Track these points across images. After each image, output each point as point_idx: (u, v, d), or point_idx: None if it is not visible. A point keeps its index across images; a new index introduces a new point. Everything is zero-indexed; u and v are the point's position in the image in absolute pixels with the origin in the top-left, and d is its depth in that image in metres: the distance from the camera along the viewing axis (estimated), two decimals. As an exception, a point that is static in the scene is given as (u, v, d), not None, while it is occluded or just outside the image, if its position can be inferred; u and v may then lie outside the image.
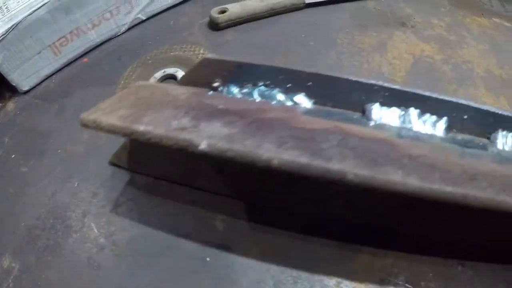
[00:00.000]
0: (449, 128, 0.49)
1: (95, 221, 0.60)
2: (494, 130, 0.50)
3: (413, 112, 0.49)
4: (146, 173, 0.63)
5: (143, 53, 0.84)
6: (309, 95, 0.51)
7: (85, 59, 0.87)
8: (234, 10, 0.85)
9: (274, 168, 0.42)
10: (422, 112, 0.49)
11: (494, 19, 0.96)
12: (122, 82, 0.79)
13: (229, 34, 0.85)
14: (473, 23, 0.95)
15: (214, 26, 0.86)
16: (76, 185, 0.66)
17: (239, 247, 0.55)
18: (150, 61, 0.81)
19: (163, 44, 0.85)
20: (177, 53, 0.81)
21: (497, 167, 0.44)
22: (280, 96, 0.52)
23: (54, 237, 0.59)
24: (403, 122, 0.48)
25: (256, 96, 0.53)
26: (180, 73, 0.77)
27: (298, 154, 0.42)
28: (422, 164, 0.42)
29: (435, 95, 0.48)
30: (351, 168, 0.41)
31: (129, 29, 0.90)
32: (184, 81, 0.59)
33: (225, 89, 0.55)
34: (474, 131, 0.50)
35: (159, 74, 0.78)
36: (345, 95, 0.50)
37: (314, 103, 0.51)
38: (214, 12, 0.85)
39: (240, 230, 0.56)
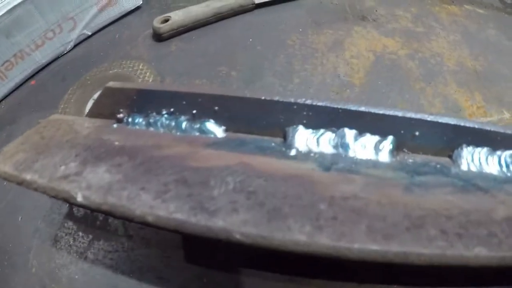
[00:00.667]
0: (397, 150, 0.37)
1: (37, 258, 0.53)
2: (457, 146, 0.37)
3: (348, 133, 0.35)
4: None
5: (85, 72, 0.71)
6: (218, 121, 0.37)
7: (32, 82, 0.75)
8: (176, 18, 0.71)
9: (151, 225, 0.31)
10: (360, 132, 0.35)
11: (466, 6, 0.83)
12: (62, 106, 0.67)
13: (173, 45, 0.72)
14: (442, 12, 0.82)
15: (158, 37, 0.72)
16: (19, 219, 0.58)
17: (177, 282, 0.48)
18: (89, 81, 0.69)
19: (106, 60, 0.72)
20: (116, 70, 0.69)
21: (456, 199, 0.32)
22: (186, 125, 0.38)
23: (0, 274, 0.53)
24: (336, 147, 0.34)
25: (159, 127, 0.39)
26: (118, 92, 0.63)
27: (177, 207, 0.31)
28: (346, 210, 0.28)
29: (374, 110, 0.35)
30: (238, 225, 0.28)
31: (75, 46, 0.77)
32: (93, 113, 0.46)
33: (130, 120, 0.41)
34: (430, 150, 0.37)
35: (97, 95, 0.64)
36: (261, 118, 0.36)
37: (226, 130, 0.37)
38: (157, 22, 0.72)
39: (177, 264, 0.49)
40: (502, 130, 0.36)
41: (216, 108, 0.38)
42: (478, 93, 0.68)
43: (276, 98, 0.35)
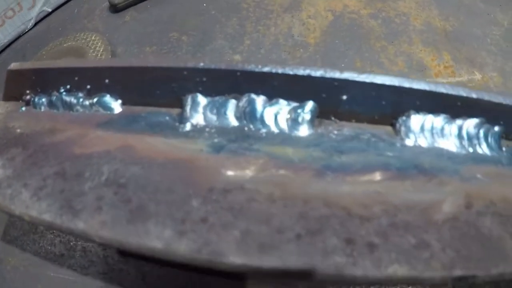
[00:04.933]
0: (322, 118, 0.25)
1: None
2: (402, 112, 0.25)
3: (255, 99, 0.23)
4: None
5: (43, 48, 0.60)
6: (113, 95, 0.26)
7: (-5, 62, 0.64)
8: (131, -13, 0.58)
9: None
10: (271, 98, 0.23)
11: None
12: (19, 83, 0.55)
13: (127, 15, 0.60)
14: (411, -31, 0.66)
15: (114, 8, 0.60)
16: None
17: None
18: (45, 56, 0.58)
19: (63, 35, 0.60)
20: (70, 43, 0.57)
21: (385, 189, 0.20)
22: (83, 102, 0.27)
23: None
24: (240, 118, 0.23)
25: (60, 106, 0.29)
26: (70, 66, 0.52)
27: (48, 205, 0.23)
28: (223, 208, 0.18)
29: (282, 70, 0.23)
30: (96, 227, 0.17)
31: (36, 23, 0.66)
32: (6, 96, 0.35)
33: (35, 101, 0.31)
34: (366, 117, 0.25)
35: None
36: (154, 88, 0.25)
37: (123, 103, 0.26)
38: (112, -8, 0.59)
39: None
40: (464, 94, 0.24)
41: (107, 81, 0.26)
42: (446, 53, 0.55)
43: (163, 65, 0.23)
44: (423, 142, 0.24)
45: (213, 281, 0.34)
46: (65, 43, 0.57)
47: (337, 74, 0.23)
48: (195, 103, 0.24)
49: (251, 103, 0.23)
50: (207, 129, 0.23)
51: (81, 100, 0.29)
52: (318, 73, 0.23)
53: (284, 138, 0.22)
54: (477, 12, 0.65)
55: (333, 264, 0.16)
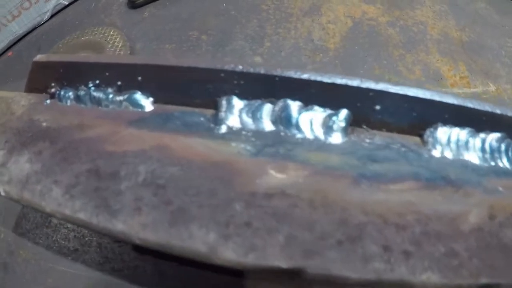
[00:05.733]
0: (354, 126, 0.25)
1: (5, 224, 0.45)
2: (430, 124, 0.25)
3: (291, 105, 0.23)
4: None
5: (59, 41, 0.59)
6: (145, 92, 0.26)
7: (9, 53, 0.64)
8: (150, -16, 0.58)
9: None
10: (306, 104, 0.23)
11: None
12: (34, 75, 0.55)
13: (146, 11, 0.60)
14: (429, -20, 0.66)
15: (132, 4, 0.60)
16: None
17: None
18: (61, 50, 0.57)
19: (80, 28, 0.60)
20: (87, 37, 0.57)
21: (416, 199, 0.21)
22: (112, 98, 0.27)
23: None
24: (275, 122, 0.23)
25: (87, 101, 0.28)
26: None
27: (82, 204, 0.23)
28: (266, 213, 0.18)
29: (321, 78, 0.23)
30: (137, 229, 0.17)
31: (52, 16, 0.66)
32: (29, 88, 0.35)
33: (61, 94, 0.31)
34: (396, 127, 0.25)
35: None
36: (189, 88, 0.25)
37: (154, 102, 0.26)
38: (131, -12, 0.59)
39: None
40: (489, 109, 0.25)
41: (140, 78, 0.27)
42: (462, 63, 0.55)
43: (201, 65, 0.23)
44: (449, 154, 0.25)
45: (232, 281, 0.34)
46: (82, 37, 0.57)
47: (372, 85, 0.24)
48: (230, 105, 0.24)
49: (287, 108, 0.23)
50: (243, 132, 0.23)
51: (110, 96, 0.29)
52: (354, 82, 0.23)
53: (319, 145, 0.22)
54: (492, 23, 0.65)
55: (372, 270, 0.16)
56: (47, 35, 0.65)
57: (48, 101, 0.34)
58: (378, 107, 0.24)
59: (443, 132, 0.25)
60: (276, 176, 0.20)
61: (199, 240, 0.17)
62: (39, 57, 0.34)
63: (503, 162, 0.25)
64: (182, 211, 0.19)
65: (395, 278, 0.16)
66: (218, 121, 0.24)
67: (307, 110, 0.24)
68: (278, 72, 0.23)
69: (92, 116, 0.29)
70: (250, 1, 0.59)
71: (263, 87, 0.24)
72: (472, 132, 0.25)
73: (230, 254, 0.17)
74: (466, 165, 0.24)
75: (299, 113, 0.23)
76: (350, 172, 0.21)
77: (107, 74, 0.29)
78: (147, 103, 0.28)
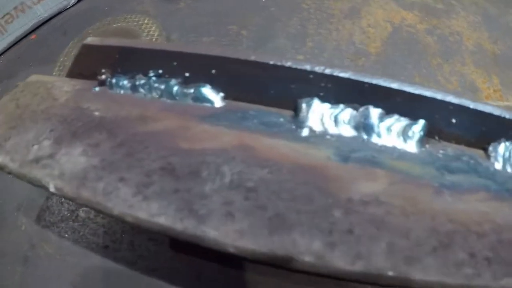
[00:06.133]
0: (428, 137, 0.25)
1: (27, 215, 0.44)
2: (495, 138, 0.25)
3: (373, 112, 0.22)
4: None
5: (88, 27, 0.58)
6: (216, 87, 0.25)
7: (33, 36, 0.62)
8: (188, -27, 0.57)
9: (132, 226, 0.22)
10: (387, 112, 0.22)
11: (487, -11, 0.67)
12: (61, 59, 0.54)
13: (182, 2, 0.58)
14: (463, -8, 0.66)
15: (167, -7, 0.58)
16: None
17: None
18: (91, 35, 0.55)
19: (111, 15, 0.59)
20: (120, 24, 0.55)
21: (489, 209, 0.21)
22: (177, 91, 0.26)
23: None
24: (357, 128, 0.22)
25: (147, 92, 0.27)
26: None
27: (160, 207, 0.21)
28: (365, 220, 0.17)
29: (409, 88, 0.22)
30: (233, 237, 0.16)
31: (79, 1, 0.63)
32: (73, 73, 0.33)
33: (114, 82, 0.29)
34: (464, 140, 0.26)
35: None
36: (268, 86, 0.23)
37: (225, 98, 0.25)
38: (167, -24, 0.58)
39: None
40: None
41: (214, 71, 0.25)
42: (495, 76, 0.55)
43: (288, 64, 0.22)
44: (510, 168, 0.25)
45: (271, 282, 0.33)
46: (114, 24, 0.56)
47: (454, 99, 0.24)
48: (313, 108, 0.23)
49: (369, 114, 0.22)
50: (327, 136, 0.22)
51: (175, 88, 0.28)
52: (438, 95, 0.24)
53: (400, 153, 0.23)
54: None
55: (464, 276, 0.17)
56: (73, 20, 0.63)
57: (97, 89, 0.32)
58: (454, 121, 0.24)
59: (505, 147, 0.25)
60: (367, 183, 0.19)
61: (304, 248, 0.16)
62: (90, 40, 0.32)
63: None
64: (279, 218, 0.18)
65: (482, 284, 0.17)
66: (300, 123, 0.23)
67: (388, 118, 0.23)
68: (367, 79, 0.22)
69: (154, 109, 0.28)
70: (290, -1, 0.58)
71: (349, 92, 0.23)
72: None
73: (338, 262, 0.16)
74: None
75: (380, 120, 0.22)
76: (432, 182, 0.21)
77: (174, 63, 0.27)
78: (216, 99, 0.27)
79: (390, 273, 0.16)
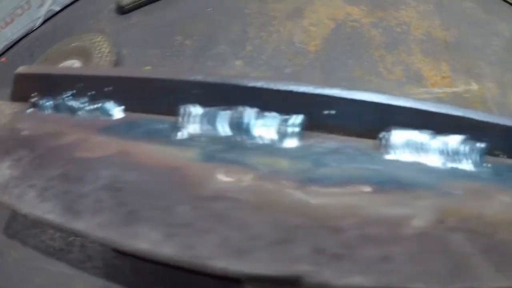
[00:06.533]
0: (310, 130, 0.26)
1: None
2: (385, 127, 0.26)
3: (248, 111, 0.25)
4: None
5: (51, 47, 0.62)
6: (117, 101, 0.28)
7: (3, 59, 0.67)
8: (138, -11, 0.60)
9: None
10: (263, 110, 0.26)
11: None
12: (26, 80, 0.58)
13: (134, 17, 0.62)
14: (415, -19, 0.67)
15: (120, 10, 0.62)
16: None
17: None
18: (51, 56, 0.59)
19: (71, 34, 0.63)
20: (76, 43, 0.59)
21: (362, 202, 0.22)
22: (86, 107, 0.30)
23: None
24: (234, 128, 0.25)
25: (64, 110, 0.31)
26: (77, 65, 0.55)
27: (52, 206, 0.25)
28: (208, 215, 0.20)
29: (275, 86, 0.25)
30: (94, 228, 0.20)
31: (44, 22, 0.68)
32: (15, 97, 0.38)
33: (41, 104, 0.34)
34: (352, 131, 0.27)
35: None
36: (154, 97, 0.27)
37: (125, 110, 0.28)
38: (119, -6, 0.61)
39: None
40: (449, 111, 0.26)
41: (111, 88, 0.29)
42: (445, 63, 0.56)
43: (161, 76, 0.25)
44: (405, 157, 0.25)
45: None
46: (72, 43, 0.60)
47: (326, 91, 0.25)
48: (190, 113, 0.26)
49: (243, 114, 0.25)
50: (201, 138, 0.25)
51: (84, 105, 0.31)
52: (307, 89, 0.25)
53: (272, 150, 0.24)
54: (479, 22, 0.66)
55: (298, 271, 0.17)
56: (39, 41, 0.67)
57: (30, 110, 0.37)
58: (332, 112, 0.25)
59: (399, 135, 0.25)
60: (222, 180, 0.22)
61: (143, 238, 0.19)
62: (20, 69, 0.37)
63: (465, 165, 0.26)
64: (133, 213, 0.21)
65: (320, 280, 0.17)
66: (178, 128, 0.26)
67: (263, 116, 0.25)
68: (233, 81, 0.25)
69: (67, 125, 0.31)
70: (234, 5, 0.61)
71: (222, 95, 0.25)
72: (431, 134, 0.26)
73: (168, 252, 0.19)
74: (423, 168, 0.25)
75: (255, 119, 0.25)
76: (296, 176, 0.22)
77: (81, 85, 0.31)
78: (117, 112, 0.30)
79: (216, 264, 0.18)
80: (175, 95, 0.26)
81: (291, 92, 0.25)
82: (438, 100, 0.55)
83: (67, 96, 0.33)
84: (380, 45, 0.57)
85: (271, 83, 0.25)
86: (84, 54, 0.57)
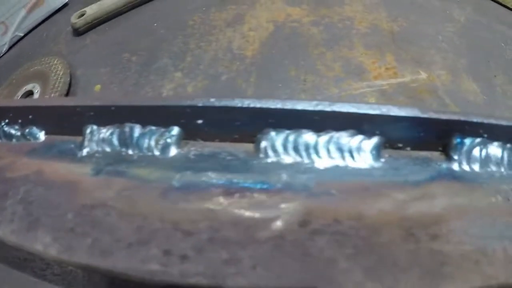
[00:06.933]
0: (187, 139, 0.28)
1: None
2: (260, 130, 0.26)
3: (131, 128, 0.29)
4: None
5: (14, 72, 0.67)
6: (38, 127, 0.33)
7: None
8: (91, 12, 0.66)
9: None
10: (144, 126, 0.29)
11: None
12: (-6, 106, 0.63)
13: (88, 38, 0.67)
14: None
15: (76, 32, 0.67)
16: None
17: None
18: (14, 81, 0.65)
19: (33, 58, 0.68)
20: (36, 68, 0.65)
21: (219, 207, 0.23)
22: (16, 133, 0.35)
23: None
24: (122, 144, 0.30)
25: (2, 136, 0.36)
26: (36, 89, 0.60)
27: None
28: (86, 221, 0.25)
29: (154, 102, 0.29)
30: (7, 234, 0.26)
31: (10, 48, 0.73)
32: None
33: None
34: (227, 137, 0.28)
35: (20, 93, 0.61)
36: (64, 121, 0.32)
37: (46, 133, 0.34)
38: (74, 17, 0.67)
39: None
40: (323, 108, 0.25)
41: (31, 116, 0.34)
42: (390, 54, 0.59)
43: (58, 104, 0.30)
44: (284, 159, 0.25)
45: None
46: (32, 68, 0.65)
47: (187, 102, 0.26)
48: (90, 133, 0.31)
49: (130, 130, 0.30)
50: (96, 155, 0.30)
51: (16, 131, 0.36)
52: (176, 102, 0.27)
53: (150, 161, 0.28)
54: (431, 10, 0.68)
55: (148, 271, 0.20)
56: (6, 66, 0.72)
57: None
58: (200, 121, 0.26)
59: (276, 137, 0.25)
60: (104, 191, 0.26)
61: (39, 241, 0.24)
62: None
63: (351, 161, 0.25)
64: (36, 221, 0.26)
65: (168, 280, 0.20)
66: (81, 147, 0.31)
67: (145, 131, 0.29)
68: (117, 102, 0.29)
69: (3, 150, 0.36)
70: (178, 18, 0.65)
71: (111, 116, 0.30)
72: (313, 133, 0.26)
73: (54, 252, 0.23)
74: (301, 169, 0.24)
75: (139, 133, 0.29)
76: (163, 184, 0.25)
77: (10, 114, 0.36)
78: (41, 135, 0.35)
79: (89, 263, 0.22)
80: (76, 118, 0.31)
81: (163, 106, 0.28)
82: (382, 93, 0.58)
83: (4, 124, 0.38)
84: (320, 43, 0.60)
85: (146, 101, 0.28)
86: (42, 77, 0.63)
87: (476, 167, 0.26)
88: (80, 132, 0.32)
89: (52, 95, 0.56)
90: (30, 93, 0.63)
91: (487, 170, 0.26)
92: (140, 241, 0.23)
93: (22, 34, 0.76)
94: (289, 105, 0.26)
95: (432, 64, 0.61)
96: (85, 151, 0.30)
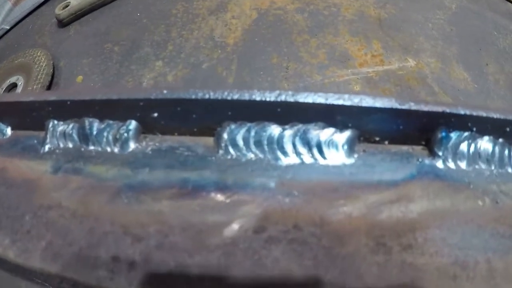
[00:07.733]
0: (144, 133, 0.27)
1: None
2: (219, 124, 0.25)
3: (89, 122, 0.28)
4: None
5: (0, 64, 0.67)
6: (5, 122, 0.33)
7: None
8: (75, 3, 0.65)
9: None
10: (102, 120, 0.28)
11: None
12: (-20, 100, 0.63)
13: (72, 29, 0.66)
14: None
15: (60, 23, 0.66)
16: None
17: None
18: (1, 72, 0.64)
19: (18, 51, 0.67)
20: (20, 60, 0.64)
21: (172, 209, 0.22)
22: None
23: None
24: (81, 139, 0.29)
25: None
26: (20, 81, 0.59)
27: None
28: (42, 223, 0.25)
29: (108, 95, 0.27)
30: None
31: (-3, 40, 0.73)
32: None
33: None
34: (186, 130, 0.26)
35: (5, 86, 0.61)
36: (27, 115, 0.32)
37: (12, 129, 0.33)
38: (58, 9, 0.66)
39: None
40: (270, 98, 0.22)
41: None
42: (377, 41, 0.57)
43: (18, 99, 0.30)
44: (246, 155, 0.23)
45: None
46: (16, 60, 0.65)
47: (140, 95, 0.25)
48: (51, 128, 0.30)
49: (89, 125, 0.29)
50: (56, 151, 0.29)
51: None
52: (123, 95, 0.25)
53: (107, 157, 0.26)
54: None
55: (96, 277, 0.19)
56: (-8, 60, 0.72)
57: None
58: (155, 115, 0.25)
59: (232, 131, 0.23)
60: (60, 191, 0.26)
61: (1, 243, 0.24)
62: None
63: (320, 158, 0.23)
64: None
65: (114, 287, 0.19)
66: (42, 143, 0.30)
67: (102, 125, 0.28)
68: (72, 97, 0.28)
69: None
70: (162, 7, 0.64)
71: (68, 111, 0.29)
72: (278, 127, 0.23)
73: (11, 255, 0.23)
74: (258, 167, 0.22)
75: (97, 129, 0.29)
76: (117, 183, 0.23)
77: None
78: (8, 131, 0.35)
79: (38, 266, 0.22)
80: (36, 113, 0.31)
81: (118, 100, 0.26)
82: (367, 80, 0.56)
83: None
84: (304, 30, 0.59)
85: (100, 95, 0.26)
86: (25, 69, 0.62)
87: (463, 164, 0.24)
88: (43, 127, 0.32)
89: (35, 87, 0.56)
90: (14, 86, 0.62)
91: (475, 168, 0.23)
92: (90, 245, 0.22)
93: (8, 27, 0.75)
94: (246, 95, 0.23)
95: (421, 51, 0.59)
96: (47, 147, 0.29)
